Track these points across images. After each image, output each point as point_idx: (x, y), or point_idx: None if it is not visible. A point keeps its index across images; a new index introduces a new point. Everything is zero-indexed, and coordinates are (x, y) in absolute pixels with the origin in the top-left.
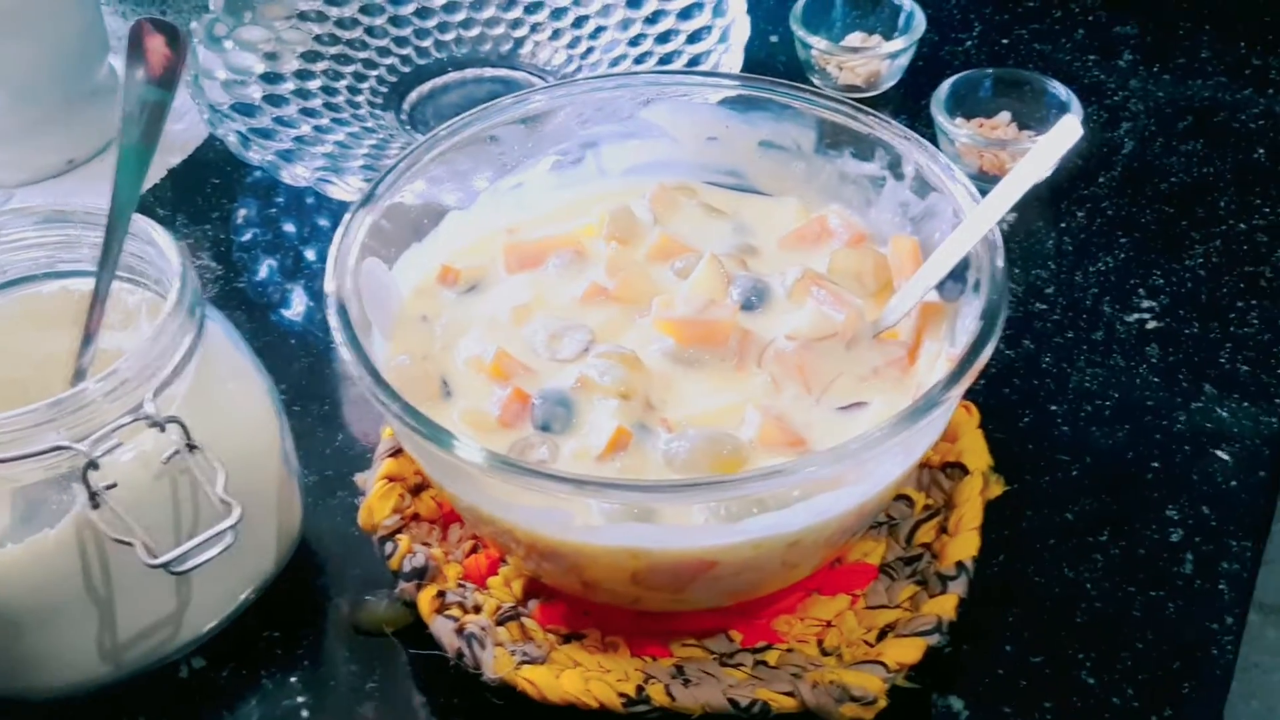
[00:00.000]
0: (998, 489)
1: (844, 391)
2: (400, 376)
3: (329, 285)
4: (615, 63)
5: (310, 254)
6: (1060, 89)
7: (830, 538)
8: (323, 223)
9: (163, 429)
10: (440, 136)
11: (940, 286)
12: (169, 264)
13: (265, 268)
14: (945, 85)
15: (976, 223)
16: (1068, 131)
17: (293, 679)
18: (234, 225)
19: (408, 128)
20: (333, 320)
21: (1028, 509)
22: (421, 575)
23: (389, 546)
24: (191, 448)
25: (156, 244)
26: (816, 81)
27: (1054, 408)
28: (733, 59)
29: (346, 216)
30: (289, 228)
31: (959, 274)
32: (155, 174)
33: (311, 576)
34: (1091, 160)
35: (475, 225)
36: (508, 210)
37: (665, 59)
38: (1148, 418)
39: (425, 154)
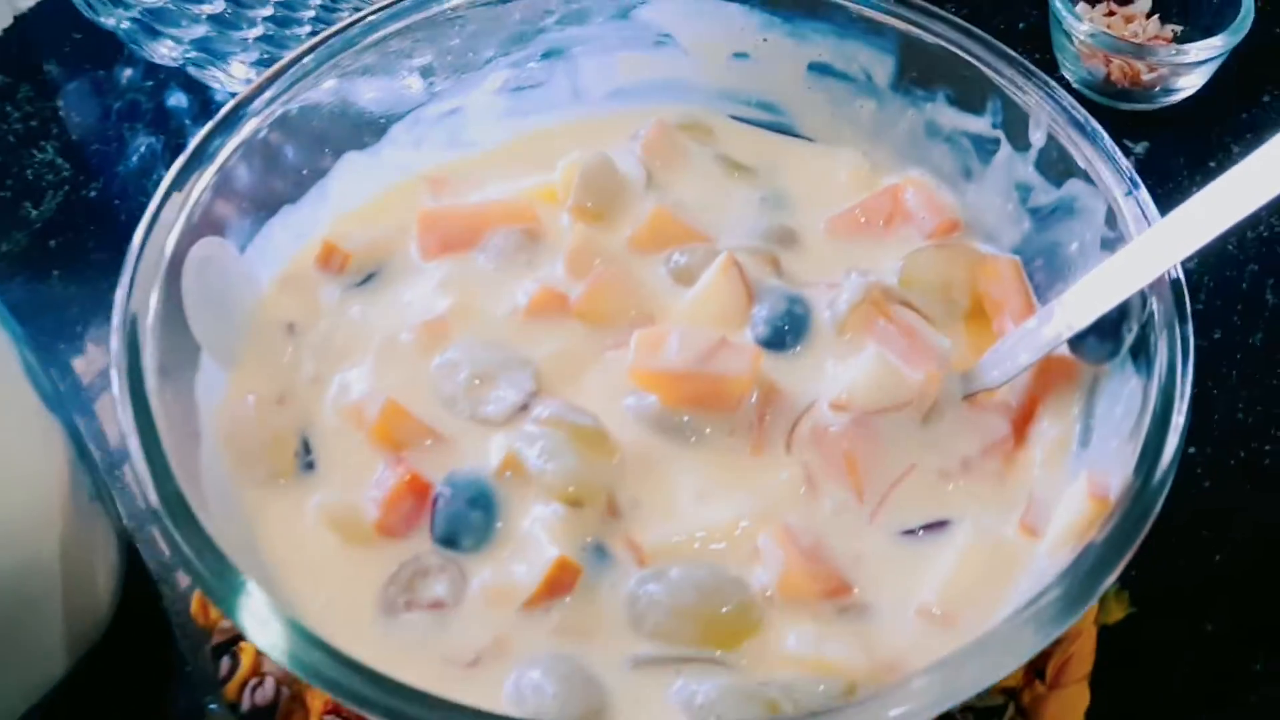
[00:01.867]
0: (1119, 612)
1: (914, 499)
2: (238, 434)
3: (120, 294)
4: None
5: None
6: None
7: None
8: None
9: None
10: (346, 33)
11: (1076, 339)
12: None
13: (136, 160)
14: None
15: (1148, 252)
16: None
17: None
18: (99, 99)
19: None
20: (115, 353)
21: (1147, 621)
22: (268, 717)
23: (225, 664)
24: None
25: None
26: None
27: (1191, 450)
28: None
29: (170, 173)
30: (177, 101)
31: (1108, 326)
32: None
33: (129, 673)
34: (1256, 62)
35: (382, 172)
36: (432, 148)
37: None
38: None
39: (312, 61)
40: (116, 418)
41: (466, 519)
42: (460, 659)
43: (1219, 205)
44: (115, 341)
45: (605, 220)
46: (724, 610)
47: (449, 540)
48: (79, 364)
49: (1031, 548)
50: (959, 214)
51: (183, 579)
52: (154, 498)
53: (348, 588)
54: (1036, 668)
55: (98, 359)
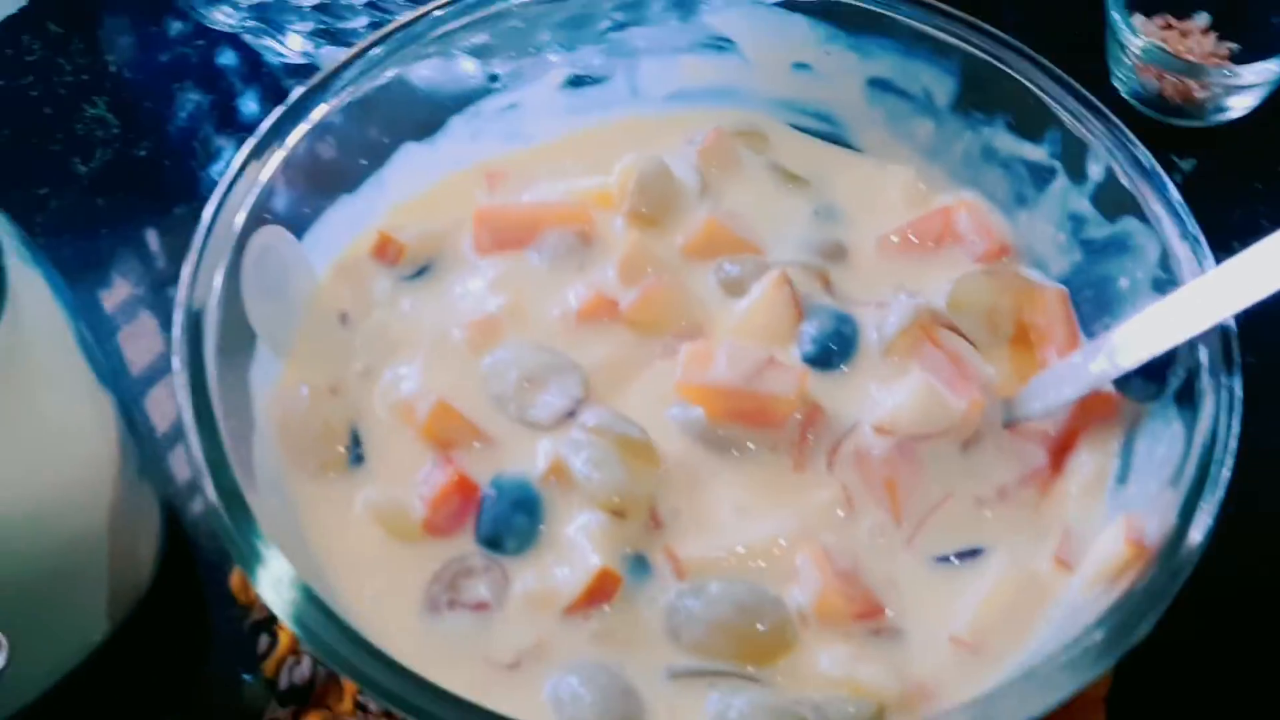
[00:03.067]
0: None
1: (950, 525)
2: (290, 423)
3: (184, 282)
4: None
5: (251, 104)
6: None
7: None
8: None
9: None
10: (409, 27)
11: (1121, 376)
12: None
13: (184, 119)
14: None
15: (1201, 300)
16: None
17: None
18: (151, 54)
19: None
20: (177, 340)
21: (1166, 646)
22: (304, 696)
23: (263, 641)
24: None
25: None
26: None
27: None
28: None
29: (240, 153)
30: (227, 60)
31: (1154, 367)
32: None
33: (166, 642)
34: None
35: (439, 163)
36: (489, 141)
37: None
38: None
39: (382, 52)
40: (174, 398)
41: (511, 522)
42: (501, 660)
43: (1267, 266)
44: (178, 326)
45: (659, 226)
46: (760, 628)
47: (493, 542)
48: (123, 324)
49: (1064, 581)
50: (1010, 239)
51: (222, 554)
52: (210, 490)
53: (392, 583)
54: None
55: (143, 321)
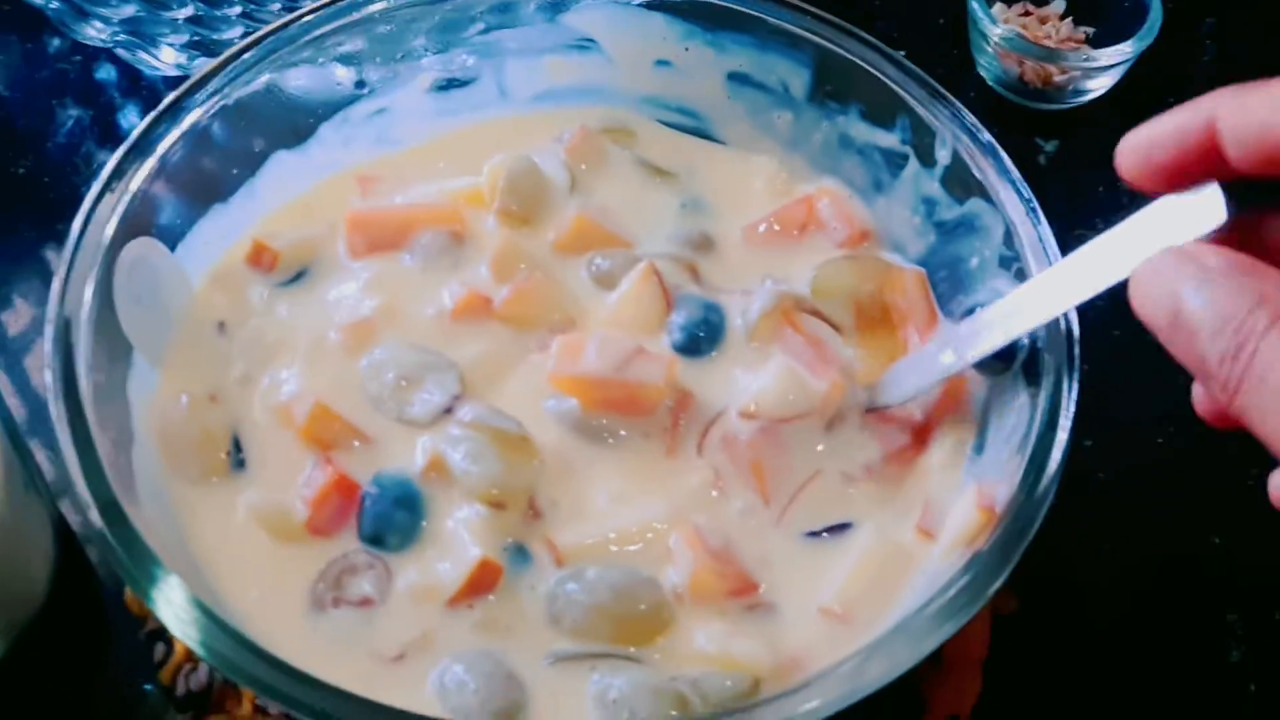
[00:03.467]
0: (1011, 603)
1: (818, 502)
2: (170, 432)
3: (54, 294)
4: None
5: (132, 117)
6: None
7: None
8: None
9: None
10: (280, 32)
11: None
12: None
13: (64, 135)
14: None
15: (1044, 295)
16: (1206, 208)
17: None
18: (28, 70)
19: None
20: (48, 354)
21: (1038, 611)
22: (202, 702)
23: (159, 649)
24: None
25: None
26: None
27: (1087, 443)
28: None
29: (108, 164)
30: (106, 74)
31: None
32: None
33: (64, 656)
34: (1164, 66)
35: (310, 170)
36: (360, 146)
37: None
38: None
39: (254, 56)
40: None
41: (392, 519)
42: (386, 654)
43: (1115, 255)
44: (49, 340)
45: (529, 223)
46: (638, 609)
47: (376, 539)
48: (25, 345)
49: (927, 550)
50: (870, 224)
51: None
52: (86, 498)
53: (277, 585)
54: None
55: (30, 332)
